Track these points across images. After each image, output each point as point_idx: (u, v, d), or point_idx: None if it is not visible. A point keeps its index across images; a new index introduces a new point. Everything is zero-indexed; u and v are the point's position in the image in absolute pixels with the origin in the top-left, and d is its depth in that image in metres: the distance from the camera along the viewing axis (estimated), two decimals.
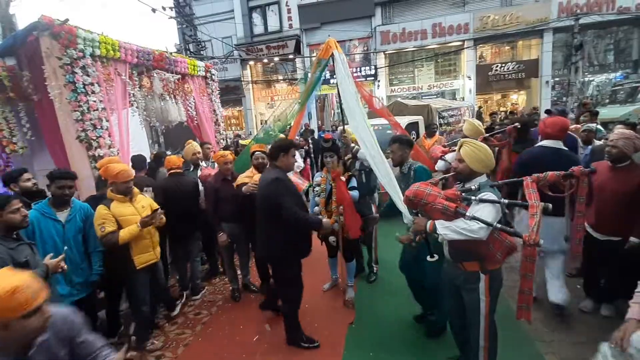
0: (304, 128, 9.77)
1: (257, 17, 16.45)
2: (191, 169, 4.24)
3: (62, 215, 2.55)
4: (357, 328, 3.13)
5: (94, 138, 3.30)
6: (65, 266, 2.16)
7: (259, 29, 16.48)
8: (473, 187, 1.99)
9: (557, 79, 14.39)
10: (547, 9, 13.37)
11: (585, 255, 2.90)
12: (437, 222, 1.95)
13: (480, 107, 14.48)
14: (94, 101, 3.34)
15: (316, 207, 3.54)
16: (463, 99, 14.16)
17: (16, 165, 3.58)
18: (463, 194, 1.97)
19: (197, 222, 3.76)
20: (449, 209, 1.88)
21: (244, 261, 3.94)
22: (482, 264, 2.01)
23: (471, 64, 14.60)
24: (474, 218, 1.81)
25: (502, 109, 16.28)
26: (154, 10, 12.58)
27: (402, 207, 2.19)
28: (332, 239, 3.40)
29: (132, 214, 2.76)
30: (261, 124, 16.45)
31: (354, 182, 3.44)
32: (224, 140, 6.11)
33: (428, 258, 2.16)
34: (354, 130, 2.78)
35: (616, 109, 8.84)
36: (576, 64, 12.88)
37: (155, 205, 2.95)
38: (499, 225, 1.80)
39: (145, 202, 2.92)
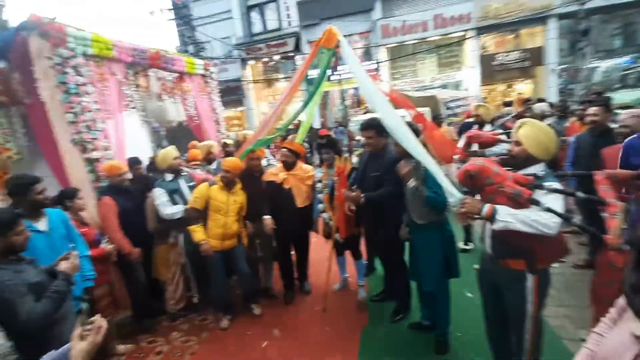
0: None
1: (255, 16, 16.30)
2: (168, 179, 3.36)
3: (42, 225, 2.35)
4: (372, 331, 2.96)
5: (89, 140, 3.16)
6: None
7: (257, 27, 16.32)
8: (539, 174, 1.71)
9: (563, 66, 14.05)
10: None
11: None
12: (499, 207, 1.65)
13: (485, 98, 14.21)
14: (88, 102, 3.20)
15: (320, 205, 3.40)
16: (467, 90, 13.90)
17: (13, 172, 3.45)
18: (536, 180, 1.66)
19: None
20: (522, 194, 1.60)
21: (270, 265, 3.79)
22: (529, 263, 1.75)
23: (474, 54, 14.29)
24: (549, 210, 1.55)
25: (507, 99, 15.97)
26: (151, 12, 12.51)
27: (447, 183, 1.93)
28: (338, 235, 3.24)
29: (222, 201, 3.10)
30: None
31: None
32: (225, 139, 5.95)
33: (461, 245, 1.92)
34: (384, 119, 2.50)
35: (628, 94, 8.57)
36: (583, 50, 12.56)
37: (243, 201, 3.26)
38: (577, 222, 1.58)
39: (240, 198, 3.20)
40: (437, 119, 5.81)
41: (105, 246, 2.88)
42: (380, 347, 2.75)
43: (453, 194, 1.87)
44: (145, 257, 3.27)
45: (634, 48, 13.58)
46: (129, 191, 3.26)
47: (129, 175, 3.34)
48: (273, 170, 3.57)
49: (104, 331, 1.25)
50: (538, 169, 1.74)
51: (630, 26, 13.65)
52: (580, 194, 1.65)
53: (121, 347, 3.07)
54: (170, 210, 3.21)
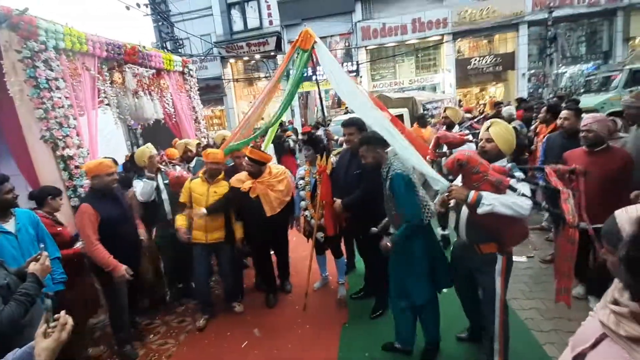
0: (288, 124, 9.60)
1: (236, 14, 16.08)
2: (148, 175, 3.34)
3: (10, 226, 2.24)
4: (351, 328, 3.01)
5: (60, 137, 3.03)
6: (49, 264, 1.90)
7: (238, 25, 16.10)
8: (508, 166, 1.96)
9: (532, 71, 14.74)
10: (522, 2, 13.67)
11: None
12: (484, 192, 1.83)
13: (460, 101, 14.67)
14: (59, 98, 3.08)
15: (302, 202, 3.40)
16: (444, 92, 14.32)
17: None
18: (510, 172, 1.92)
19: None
20: (502, 182, 1.83)
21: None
22: (500, 246, 2.00)
23: (450, 58, 14.77)
24: (524, 195, 1.79)
25: (481, 101, 16.59)
26: (127, 7, 12.06)
27: (432, 172, 2.10)
28: (320, 234, 3.27)
29: (201, 193, 3.10)
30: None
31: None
32: (205, 138, 5.86)
33: (439, 230, 2.13)
34: (365, 120, 2.52)
35: (591, 98, 9.08)
36: (551, 56, 13.24)
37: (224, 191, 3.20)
38: (546, 206, 1.85)
39: (222, 190, 3.15)
40: (424, 118, 5.96)
41: (79, 246, 2.77)
42: (359, 343, 2.80)
43: (439, 181, 2.06)
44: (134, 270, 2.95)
45: (597, 55, 14.45)
46: (116, 196, 2.86)
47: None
48: (240, 176, 3.29)
49: (69, 328, 1.21)
50: (503, 162, 2.00)
51: (594, 34, 14.50)
52: (541, 182, 1.93)
53: (90, 350, 2.96)
54: (141, 188, 3.21)
